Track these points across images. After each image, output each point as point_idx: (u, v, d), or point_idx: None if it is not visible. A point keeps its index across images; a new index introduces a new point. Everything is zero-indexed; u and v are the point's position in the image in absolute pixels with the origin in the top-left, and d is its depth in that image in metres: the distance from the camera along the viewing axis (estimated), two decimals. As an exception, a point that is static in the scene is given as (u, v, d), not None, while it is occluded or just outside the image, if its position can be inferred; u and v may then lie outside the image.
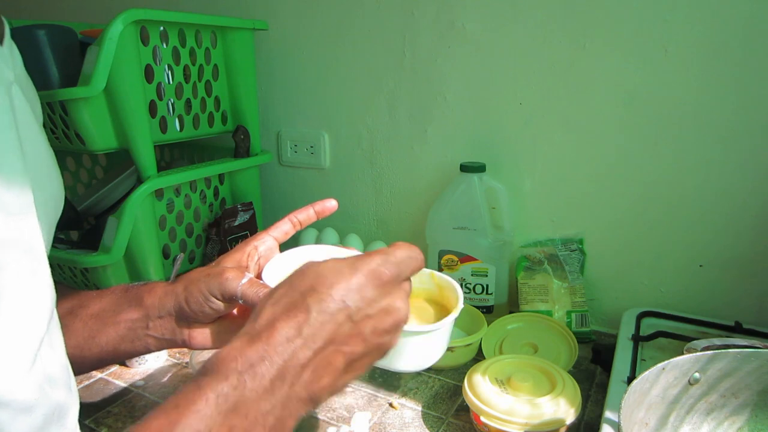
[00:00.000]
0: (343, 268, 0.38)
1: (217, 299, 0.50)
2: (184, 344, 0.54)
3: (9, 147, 0.36)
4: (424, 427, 0.68)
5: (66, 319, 0.54)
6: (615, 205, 0.91)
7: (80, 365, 0.52)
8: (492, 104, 0.96)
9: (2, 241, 0.35)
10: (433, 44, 0.98)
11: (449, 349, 0.78)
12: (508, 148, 0.96)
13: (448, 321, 0.49)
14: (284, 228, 0.59)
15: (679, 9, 0.80)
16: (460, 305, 0.52)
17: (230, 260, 0.55)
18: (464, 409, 0.70)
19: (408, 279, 0.42)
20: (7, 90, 0.38)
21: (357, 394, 0.74)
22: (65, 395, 0.40)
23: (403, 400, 0.73)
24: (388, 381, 0.78)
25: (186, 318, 0.52)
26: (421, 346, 0.48)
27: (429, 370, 0.80)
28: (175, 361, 0.83)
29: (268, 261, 0.55)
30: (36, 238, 0.38)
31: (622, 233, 0.91)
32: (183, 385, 0.33)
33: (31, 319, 0.37)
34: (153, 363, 0.81)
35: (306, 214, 0.59)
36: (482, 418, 0.63)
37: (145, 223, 0.88)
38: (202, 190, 1.03)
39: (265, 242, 0.57)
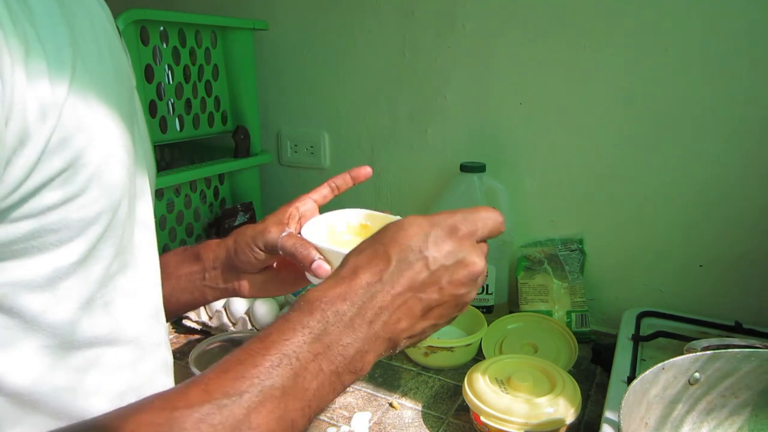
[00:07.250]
0: (422, 222, 0.42)
1: (261, 250, 0.57)
2: (235, 293, 0.60)
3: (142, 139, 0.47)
4: (424, 427, 0.68)
5: None
6: (615, 205, 0.91)
7: None
8: (492, 104, 0.96)
9: (143, 222, 0.45)
10: (433, 44, 0.98)
11: (449, 349, 0.78)
12: (508, 148, 0.96)
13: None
14: (323, 192, 0.65)
15: (679, 9, 0.80)
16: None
17: (274, 218, 0.61)
18: (464, 409, 0.70)
19: (485, 240, 0.44)
20: (134, 93, 0.47)
21: (357, 394, 0.74)
22: (167, 348, 0.52)
23: (403, 400, 0.73)
24: (388, 381, 0.78)
25: (235, 268, 0.59)
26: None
27: (429, 370, 0.80)
28: (176, 360, 0.83)
29: (307, 220, 0.60)
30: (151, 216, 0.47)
31: (622, 233, 0.91)
32: (276, 319, 0.38)
33: (155, 280, 0.48)
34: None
35: (343, 179, 0.65)
36: (482, 418, 0.63)
37: (145, 223, 0.88)
38: (202, 190, 1.03)
39: (306, 204, 0.63)
